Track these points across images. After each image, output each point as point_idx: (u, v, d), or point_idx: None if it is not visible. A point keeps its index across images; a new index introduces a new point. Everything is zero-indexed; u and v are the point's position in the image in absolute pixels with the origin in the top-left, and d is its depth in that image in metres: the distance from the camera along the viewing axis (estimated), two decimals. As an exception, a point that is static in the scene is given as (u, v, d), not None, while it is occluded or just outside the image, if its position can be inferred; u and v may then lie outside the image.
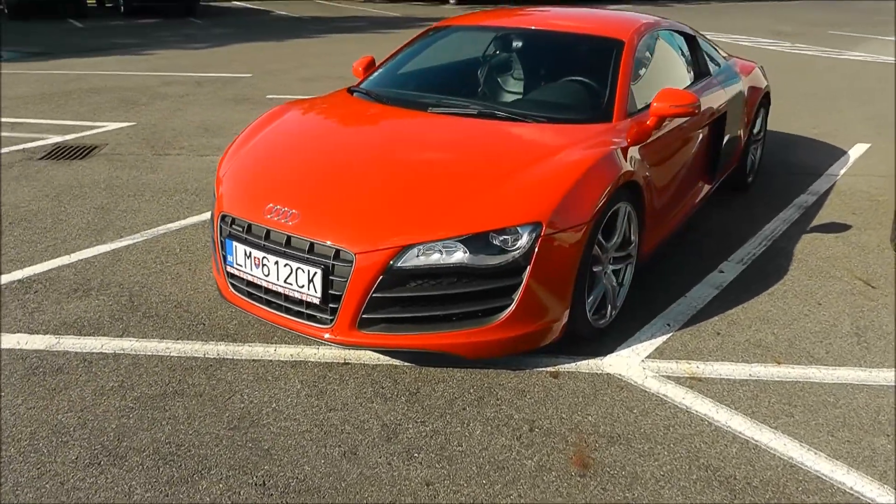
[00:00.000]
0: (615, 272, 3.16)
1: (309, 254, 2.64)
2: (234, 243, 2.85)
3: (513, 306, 2.59)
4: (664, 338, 3.14)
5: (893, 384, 2.86)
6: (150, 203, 4.81)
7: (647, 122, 3.30)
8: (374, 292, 2.56)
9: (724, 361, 2.98)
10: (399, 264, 2.53)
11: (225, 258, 2.94)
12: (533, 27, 3.83)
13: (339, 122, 3.38)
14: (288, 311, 2.77)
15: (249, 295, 2.90)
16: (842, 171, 5.65)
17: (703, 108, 3.94)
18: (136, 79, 9.10)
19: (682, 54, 4.21)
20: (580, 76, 3.57)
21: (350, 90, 3.81)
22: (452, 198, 2.65)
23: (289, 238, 2.69)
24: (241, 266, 2.85)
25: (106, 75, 9.30)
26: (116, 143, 6.23)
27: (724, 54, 4.88)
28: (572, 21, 3.88)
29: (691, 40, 4.33)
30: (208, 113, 7.35)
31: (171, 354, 2.99)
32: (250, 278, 2.83)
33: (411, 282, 2.56)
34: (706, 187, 4.24)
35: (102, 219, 4.51)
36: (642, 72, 3.74)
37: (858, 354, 3.08)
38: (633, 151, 3.11)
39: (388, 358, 2.92)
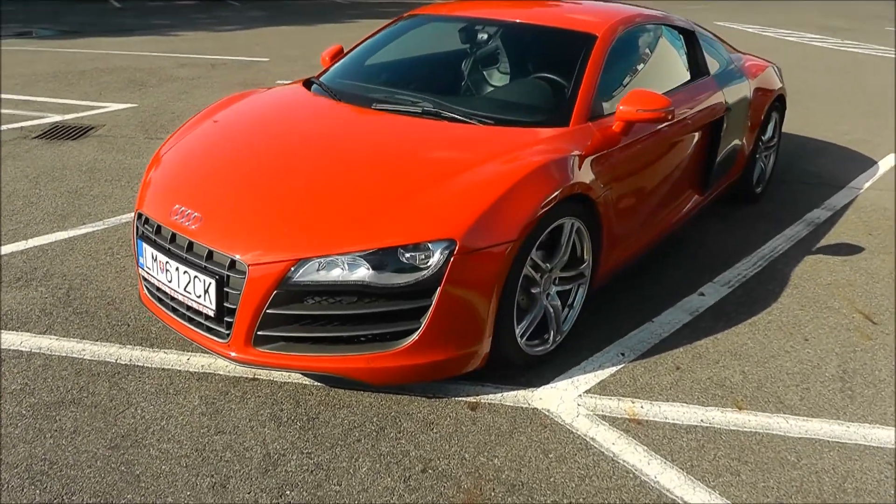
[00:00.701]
0: (562, 293, 2.84)
1: (207, 262, 2.42)
2: (144, 245, 2.66)
3: (420, 331, 2.32)
4: (613, 369, 2.81)
5: (872, 444, 2.47)
6: (125, 189, 4.68)
7: (613, 128, 2.95)
8: (268, 308, 2.31)
9: (676, 402, 2.63)
10: (295, 279, 2.28)
11: (138, 260, 2.74)
12: (505, 19, 3.49)
13: (275, 117, 3.14)
14: (191, 321, 2.56)
15: (160, 301, 2.70)
16: (866, 185, 5.14)
17: (694, 111, 3.56)
18: (152, 60, 9.07)
19: (676, 51, 3.82)
20: (547, 73, 3.24)
21: (307, 81, 3.57)
22: (363, 207, 2.38)
23: (191, 243, 2.47)
24: (150, 270, 2.66)
25: (124, 55, 9.29)
26: (113, 124, 6.14)
27: (731, 52, 4.44)
28: (549, 12, 3.54)
29: (689, 36, 3.93)
30: (213, 97, 7.21)
31: (84, 357, 2.81)
32: (157, 283, 2.63)
33: (309, 299, 2.31)
34: (697, 199, 3.86)
35: (71, 204, 4.39)
36: (622, 70, 3.38)
37: (839, 404, 2.70)
38: (591, 160, 2.77)
39: (298, 376, 2.68)
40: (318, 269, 2.29)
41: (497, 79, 3.52)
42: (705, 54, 4.04)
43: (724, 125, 3.86)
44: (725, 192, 4.36)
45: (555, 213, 2.53)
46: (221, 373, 2.71)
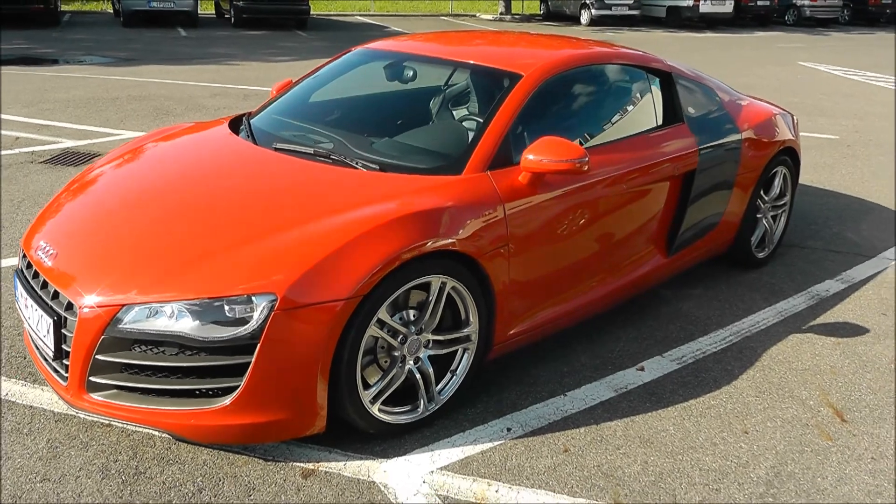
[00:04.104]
0: (445, 357, 2.76)
1: (52, 301, 2.52)
2: (17, 279, 2.80)
3: (240, 389, 2.31)
4: (488, 446, 2.67)
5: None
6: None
7: (520, 179, 2.88)
8: (97, 353, 2.37)
9: (541, 489, 2.47)
10: (121, 325, 2.34)
11: (15, 293, 2.89)
12: (438, 56, 3.50)
13: (173, 156, 3.25)
14: (45, 360, 2.66)
15: (31, 338, 2.83)
16: (903, 256, 4.72)
17: (650, 162, 3.41)
18: (189, 88, 9.65)
19: (642, 96, 3.69)
20: (472, 115, 3.21)
21: (239, 116, 3.70)
22: (199, 254, 2.43)
23: (45, 281, 2.59)
24: (18, 305, 2.80)
25: (164, 83, 9.94)
26: (118, 152, 6.55)
27: (730, 97, 4.23)
28: (491, 50, 3.52)
29: (665, 79, 3.79)
30: (229, 128, 7.57)
31: (-35, 387, 2.96)
32: (24, 320, 2.76)
33: (136, 347, 2.36)
34: (659, 261, 3.66)
35: (39, 230, 4.69)
36: (558, 115, 3.30)
37: (747, 511, 2.45)
38: (479, 213, 2.69)
39: (148, 424, 2.72)
40: (147, 317, 2.34)
41: (413, 121, 3.51)
42: (692, 99, 3.88)
43: (697, 179, 3.68)
44: (710, 256, 4.13)
45: (414, 270, 2.48)
46: (82, 415, 2.79)
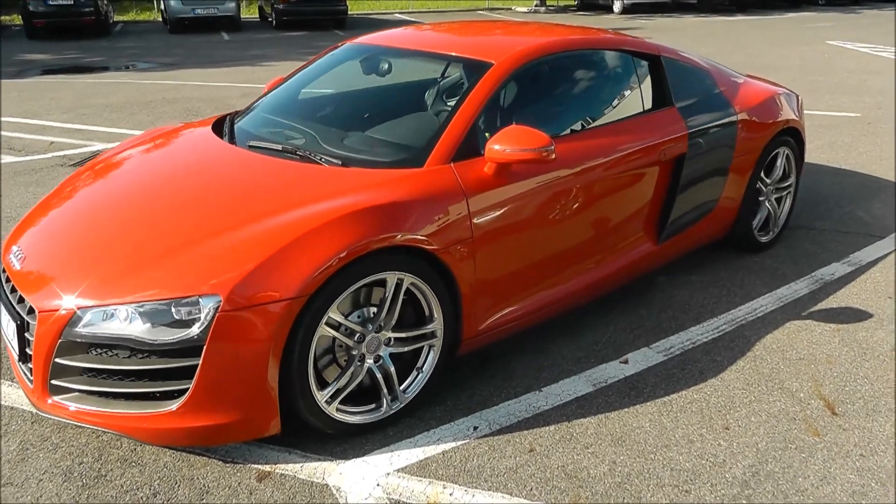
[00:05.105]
0: (410, 355, 2.60)
1: (17, 304, 2.45)
2: None
3: (189, 392, 2.19)
4: (450, 445, 2.50)
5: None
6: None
7: (485, 170, 2.68)
8: (55, 357, 2.29)
9: (498, 491, 2.29)
10: (77, 329, 2.24)
11: None
12: (414, 48, 3.31)
13: (150, 158, 3.14)
14: (16, 362, 2.60)
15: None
16: (917, 236, 4.34)
17: (634, 148, 3.17)
18: (221, 90, 9.64)
19: (626, 81, 3.43)
20: (436, 107, 3.03)
21: (220, 117, 3.59)
22: (154, 256, 2.31)
23: (13, 286, 2.53)
24: None
25: (199, 86, 9.96)
26: (145, 154, 6.56)
27: (725, 77, 3.91)
28: (468, 39, 3.31)
29: (654, 63, 3.52)
30: (253, 127, 7.52)
31: (-42, 387, 2.94)
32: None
33: (93, 350, 2.26)
34: (649, 249, 3.41)
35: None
36: (533, 103, 3.09)
37: (717, 514, 2.23)
38: (439, 207, 2.51)
39: (118, 424, 2.63)
40: (102, 320, 2.24)
41: (385, 114, 3.30)
42: (683, 82, 3.59)
43: (687, 163, 3.41)
44: (707, 241, 3.85)
45: (366, 267, 2.32)
46: (63, 416, 2.72)
